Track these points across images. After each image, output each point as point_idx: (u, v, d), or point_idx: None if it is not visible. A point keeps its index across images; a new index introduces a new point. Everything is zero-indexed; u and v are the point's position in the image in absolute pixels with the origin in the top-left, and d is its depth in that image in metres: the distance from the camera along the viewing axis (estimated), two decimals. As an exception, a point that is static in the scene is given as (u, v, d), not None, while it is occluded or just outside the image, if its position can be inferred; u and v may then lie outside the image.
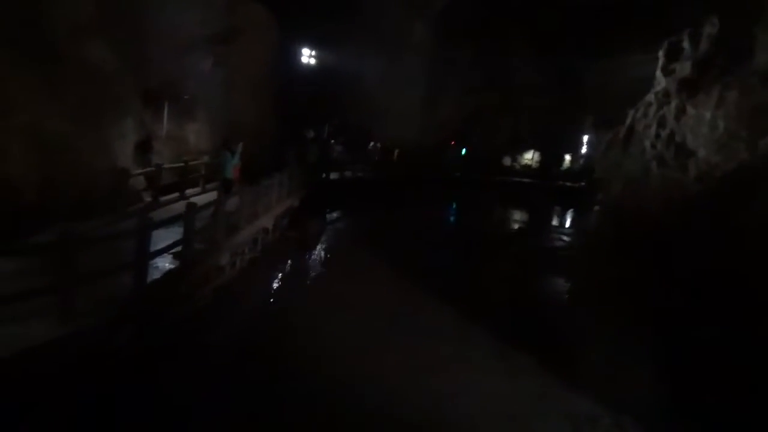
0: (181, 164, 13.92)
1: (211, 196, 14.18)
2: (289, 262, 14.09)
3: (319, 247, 16.38)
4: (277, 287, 11.70)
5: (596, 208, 32.34)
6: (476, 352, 9.23)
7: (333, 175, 23.72)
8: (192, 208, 7.77)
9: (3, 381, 4.44)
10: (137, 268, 6.31)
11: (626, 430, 7.06)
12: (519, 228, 29.95)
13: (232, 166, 12.68)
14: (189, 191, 13.88)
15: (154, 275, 7.00)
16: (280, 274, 12.74)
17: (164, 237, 7.73)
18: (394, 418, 6.67)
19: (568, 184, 42.62)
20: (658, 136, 19.88)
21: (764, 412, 7.65)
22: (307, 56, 31.01)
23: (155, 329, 6.60)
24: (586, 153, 48.37)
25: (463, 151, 40.11)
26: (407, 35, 34.99)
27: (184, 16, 15.79)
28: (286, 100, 25.01)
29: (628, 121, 22.62)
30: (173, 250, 7.53)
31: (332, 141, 26.92)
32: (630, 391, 8.47)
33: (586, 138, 47.16)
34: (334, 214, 19.66)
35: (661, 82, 21.06)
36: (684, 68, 19.78)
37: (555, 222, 33.56)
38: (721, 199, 16.72)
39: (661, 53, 21.32)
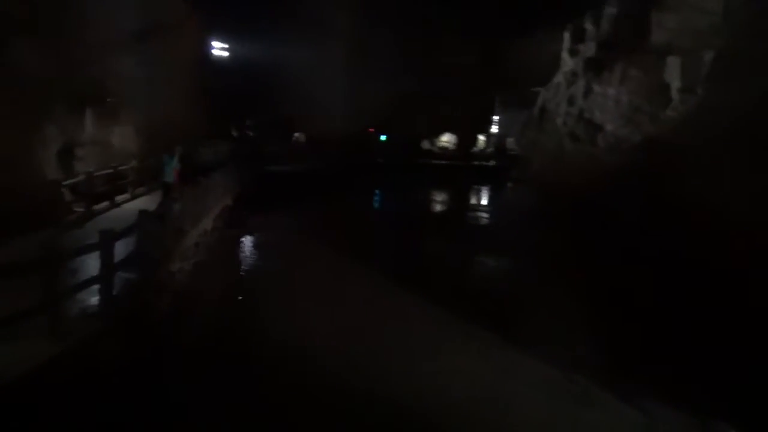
0: (110, 170, 13.29)
1: (143, 202, 13.78)
2: (233, 262, 13.92)
3: (259, 243, 16.25)
4: (228, 289, 11.56)
5: (509, 184, 34.02)
6: (451, 340, 9.60)
7: (262, 170, 23.43)
8: (145, 216, 7.56)
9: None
10: (104, 282, 6.13)
11: (585, 386, 7.70)
12: (444, 208, 30.89)
13: (172, 169, 12.28)
14: (119, 198, 13.30)
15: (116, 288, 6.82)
16: (228, 276, 12.59)
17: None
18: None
19: (483, 163, 44.36)
20: (568, 113, 21.19)
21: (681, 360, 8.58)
22: (230, 50, 30.41)
23: (132, 340, 6.46)
24: (497, 133, 50.45)
25: (383, 138, 40.76)
26: (328, 23, 34.85)
27: (104, 13, 14.98)
28: (213, 96, 24.42)
29: (540, 100, 23.89)
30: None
31: (257, 135, 26.53)
32: (578, 352, 9.21)
33: (496, 118, 49.15)
34: (268, 209, 19.48)
35: (568, 62, 22.39)
36: (588, 48, 21.15)
37: (475, 200, 34.86)
38: (630, 168, 18.20)
39: (566, 35, 22.62)
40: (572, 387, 7.73)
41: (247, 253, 15.24)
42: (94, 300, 6.37)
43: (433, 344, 9.17)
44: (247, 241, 16.18)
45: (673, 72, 17.77)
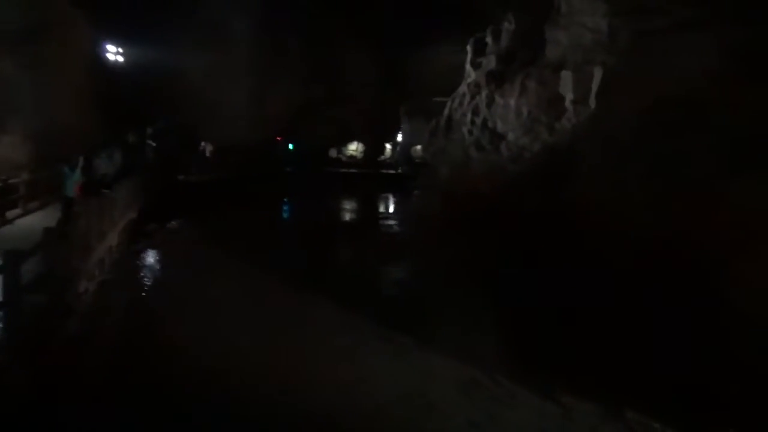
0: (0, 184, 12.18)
1: (38, 217, 12.78)
2: (140, 278, 13.22)
3: (166, 257, 15.55)
4: (138, 308, 10.98)
5: (416, 192, 34.95)
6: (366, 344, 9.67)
7: (167, 180, 22.40)
8: (52, 234, 7.01)
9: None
10: (10, 309, 5.60)
11: (503, 384, 8.06)
12: (353, 217, 31.12)
13: (74, 183, 11.39)
14: (10, 214, 12.20)
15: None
16: (135, 294, 11.95)
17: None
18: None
19: (390, 171, 45.18)
20: (473, 123, 22.11)
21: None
22: (126, 55, 28.85)
23: (38, 372, 5.95)
24: (402, 141, 51.57)
25: (290, 146, 40.38)
26: (229, 28, 33.95)
27: None
28: (109, 102, 23.06)
29: (447, 110, 24.73)
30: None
31: (160, 144, 25.31)
32: (496, 353, 9.65)
33: (402, 127, 50.21)
34: (173, 223, 18.73)
35: (471, 74, 23.39)
36: (490, 61, 22.22)
37: (383, 208, 35.43)
38: (531, 176, 19.30)
39: (468, 47, 23.62)
40: (494, 387, 8.07)
41: (154, 268, 14.57)
42: (-1, 327, 5.84)
43: (348, 349, 9.23)
44: (154, 255, 15.44)
45: (566, 85, 19.04)
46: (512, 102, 20.55)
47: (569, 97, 18.69)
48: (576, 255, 14.20)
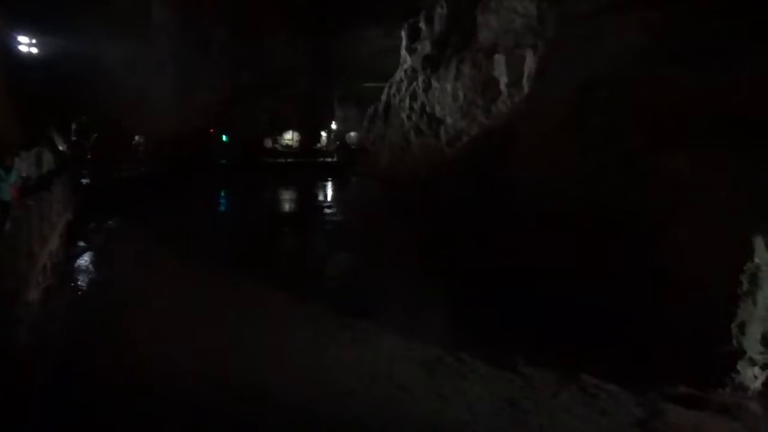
0: None
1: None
2: (85, 281, 12.71)
3: (108, 259, 14.97)
4: (84, 312, 10.55)
5: (354, 179, 35.09)
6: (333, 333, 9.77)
7: (98, 177, 21.43)
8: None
9: None
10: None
11: (465, 361, 8.40)
12: (294, 207, 30.90)
13: (9, 186, 10.70)
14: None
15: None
16: (83, 298, 11.49)
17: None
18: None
19: (326, 159, 45.09)
20: (412, 108, 22.39)
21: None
22: (41, 46, 27.08)
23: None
24: (336, 128, 51.49)
25: (224, 138, 39.50)
26: (150, 15, 32.58)
27: None
28: (25, 98, 21.72)
29: (384, 96, 24.88)
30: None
31: (86, 140, 24.13)
32: (452, 331, 10.00)
33: (335, 114, 50.10)
34: (112, 222, 18.02)
35: (407, 60, 23.60)
36: (424, 47, 22.50)
37: (323, 197, 35.36)
38: (469, 158, 19.81)
39: (403, 33, 23.80)
40: (457, 364, 8.38)
41: (96, 270, 14.01)
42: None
43: (309, 339, 9.33)
44: (94, 256, 14.83)
45: (500, 69, 19.62)
46: (448, 86, 20.94)
47: (503, 80, 19.26)
48: (514, 233, 14.80)
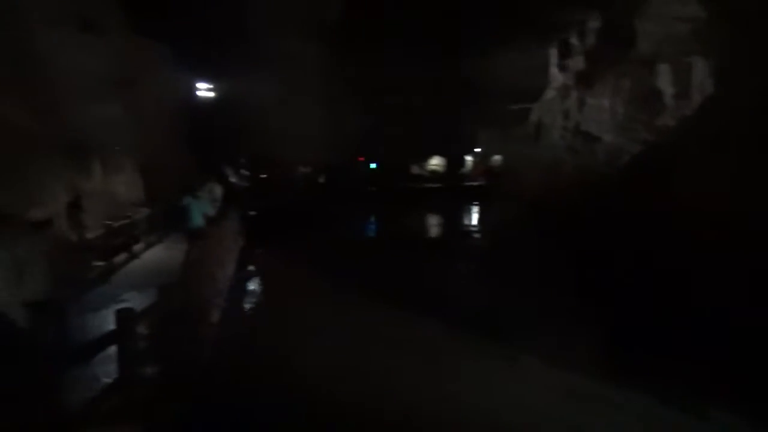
0: (127, 221, 13.02)
1: (160, 251, 13.51)
2: (257, 304, 13.52)
3: (278, 284, 15.71)
4: (257, 338, 11.13)
5: (499, 202, 34.26)
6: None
7: (267, 208, 23.24)
8: (188, 268, 7.30)
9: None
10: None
11: (606, 387, 7.64)
12: (441, 231, 30.88)
13: (200, 212, 11.55)
14: (135, 248, 12.98)
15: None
16: (256, 322, 12.17)
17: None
18: None
19: (473, 183, 44.76)
20: (565, 127, 21.43)
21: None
22: (213, 90, 30.37)
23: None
24: (481, 152, 51.01)
25: (372, 165, 40.90)
26: (301, 54, 35.08)
27: (86, 61, 14.99)
28: (198, 135, 24.36)
29: (534, 117, 24.17)
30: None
31: (251, 173, 26.37)
32: (599, 359, 9.16)
33: (480, 137, 49.70)
34: (275, 248, 19.23)
35: (557, 77, 22.75)
36: (577, 62, 21.53)
37: (468, 221, 34.98)
38: (631, 179, 18.40)
39: (553, 50, 23.02)
40: (599, 391, 7.71)
41: (268, 295, 14.64)
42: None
43: (454, 364, 9.08)
44: (266, 281, 15.70)
45: (663, 80, 18.14)
46: (605, 102, 19.78)
47: (668, 92, 17.78)
48: (689, 257, 13.37)
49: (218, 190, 16.56)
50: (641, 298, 12.77)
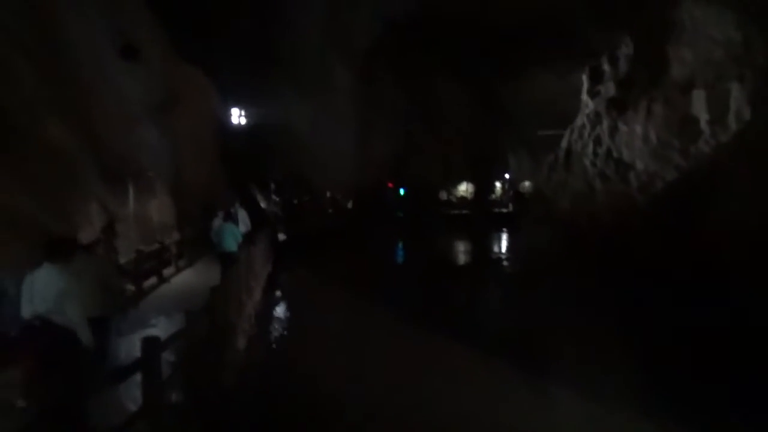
0: (158, 246, 13.23)
1: (190, 275, 13.64)
2: (283, 330, 13.48)
3: (303, 309, 15.74)
4: (281, 364, 11.06)
5: (528, 228, 33.82)
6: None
7: (296, 231, 23.46)
8: (218, 293, 7.30)
9: None
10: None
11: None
12: (469, 257, 30.60)
13: (232, 237, 11.61)
14: (165, 272, 13.16)
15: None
16: (282, 348, 12.11)
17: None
18: None
19: (502, 210, 44.37)
20: (596, 154, 21.13)
21: None
22: (239, 115, 30.96)
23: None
24: (510, 178, 50.64)
25: (401, 191, 40.97)
26: (331, 79, 35.62)
27: (126, 86, 15.44)
28: (230, 160, 24.79)
29: (565, 143, 23.93)
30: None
31: (281, 198, 26.69)
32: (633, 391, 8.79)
33: (509, 163, 49.42)
34: (303, 274, 19.28)
35: (588, 104, 22.52)
36: (608, 89, 21.30)
37: (497, 248, 34.59)
38: (665, 205, 17.99)
39: (584, 77, 22.86)
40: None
41: (293, 320, 14.64)
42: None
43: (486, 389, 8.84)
44: (291, 306, 15.72)
45: (698, 105, 17.78)
46: (638, 128, 19.47)
47: (704, 117, 17.40)
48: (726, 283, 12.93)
49: (243, 215, 16.71)
50: (680, 325, 12.39)
